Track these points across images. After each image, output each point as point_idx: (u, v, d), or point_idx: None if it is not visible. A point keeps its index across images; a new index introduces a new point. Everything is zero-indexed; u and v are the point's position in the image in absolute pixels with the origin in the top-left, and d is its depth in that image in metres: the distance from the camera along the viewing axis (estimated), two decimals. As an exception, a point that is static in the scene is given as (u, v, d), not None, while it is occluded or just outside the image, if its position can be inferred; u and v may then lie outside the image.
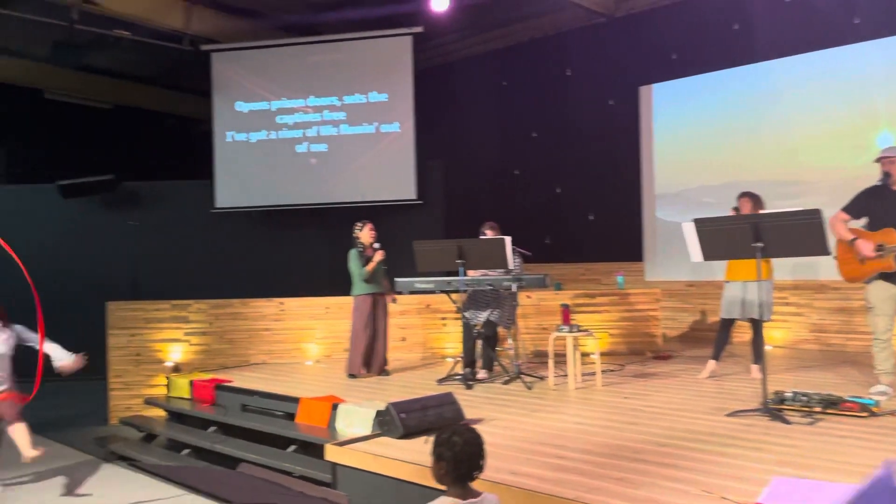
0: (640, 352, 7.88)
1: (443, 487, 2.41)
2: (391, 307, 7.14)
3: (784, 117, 8.51)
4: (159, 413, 7.17)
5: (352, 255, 6.88)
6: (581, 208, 10.54)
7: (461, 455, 2.33)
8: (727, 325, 6.21)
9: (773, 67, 8.59)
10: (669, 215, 9.57)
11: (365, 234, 6.91)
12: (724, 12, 8.96)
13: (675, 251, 9.12)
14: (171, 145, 14.31)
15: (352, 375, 6.82)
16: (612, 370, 6.75)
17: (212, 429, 6.29)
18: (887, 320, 5.05)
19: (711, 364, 6.32)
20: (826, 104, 8.18)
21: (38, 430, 7.24)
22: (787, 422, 4.44)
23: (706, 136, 9.27)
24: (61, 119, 13.39)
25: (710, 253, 4.96)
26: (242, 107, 10.76)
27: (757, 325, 5.89)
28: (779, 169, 8.53)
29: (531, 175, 11.18)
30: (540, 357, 7.32)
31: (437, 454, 2.38)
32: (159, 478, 5.25)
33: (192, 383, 6.90)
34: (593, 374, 6.12)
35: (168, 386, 7.21)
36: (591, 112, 10.36)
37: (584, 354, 6.61)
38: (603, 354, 6.54)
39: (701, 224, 4.90)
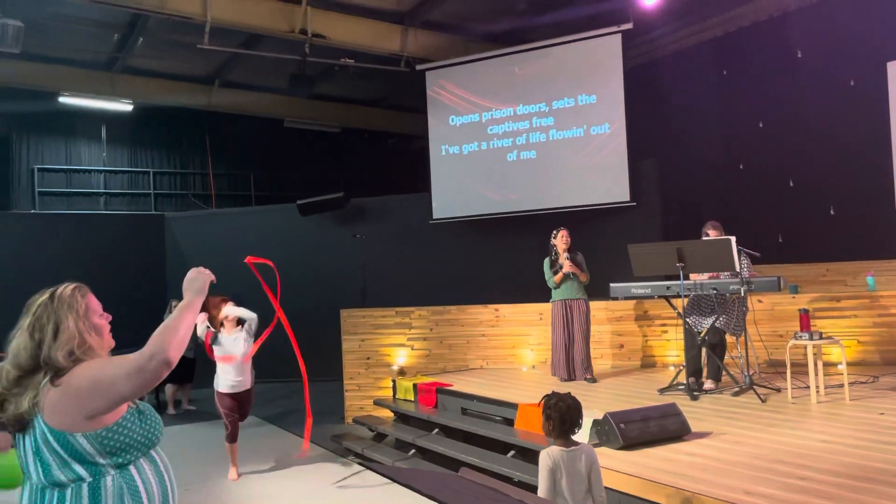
0: (897, 362, 6.91)
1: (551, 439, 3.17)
2: (605, 313, 6.97)
3: None
4: (387, 413, 7.61)
5: (545, 263, 7.02)
6: (819, 202, 9.49)
7: (565, 416, 3.09)
8: None
9: None
10: (931, 205, 8.32)
11: (558, 241, 6.93)
12: None
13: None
14: (392, 162, 15.26)
15: (563, 379, 6.89)
16: (862, 382, 5.98)
17: (435, 430, 6.54)
18: None
19: None
20: None
21: (284, 425, 8.06)
22: None
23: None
24: (298, 144, 14.86)
25: None
26: (455, 120, 11.14)
27: None
28: None
29: (758, 168, 10.30)
30: (775, 367, 6.70)
31: (547, 415, 3.14)
32: (385, 477, 5.55)
33: (415, 386, 7.23)
34: (840, 386, 5.47)
35: (394, 388, 7.63)
36: (828, 95, 9.33)
37: (829, 364, 5.94)
38: (851, 364, 5.85)
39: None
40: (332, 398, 8.99)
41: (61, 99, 12.14)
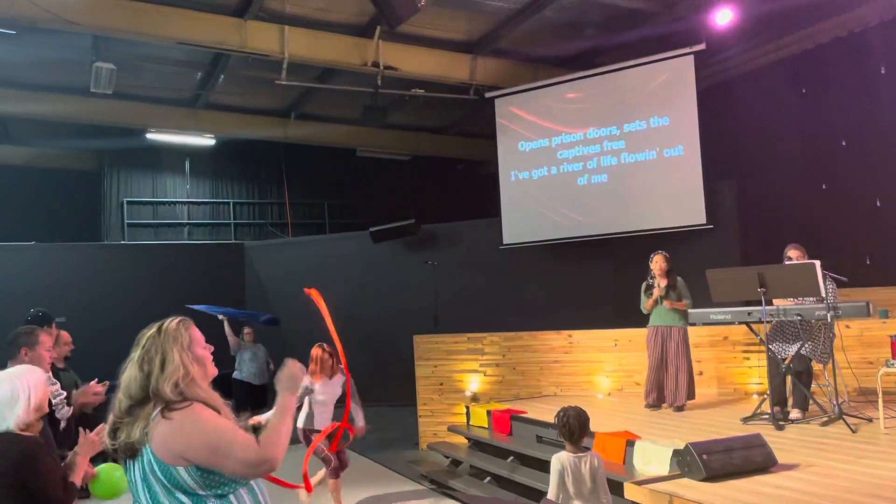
0: None
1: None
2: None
3: None
4: (461, 440, 7.62)
5: (642, 287, 6.92)
6: (909, 222, 9.08)
7: (567, 426, 3.67)
8: None
9: None
10: None
11: (653, 264, 6.83)
12: None
13: None
14: (462, 188, 15.39)
15: (648, 406, 6.81)
16: (963, 413, 5.65)
17: (510, 458, 6.51)
18: None
19: None
20: None
21: (363, 451, 8.16)
22: None
23: None
24: (370, 172, 15.19)
25: None
26: (525, 146, 11.18)
27: None
28: None
29: (843, 188, 9.92)
30: (865, 395, 6.39)
31: (557, 424, 3.73)
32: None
33: (489, 413, 7.22)
34: (938, 417, 5.19)
35: (467, 414, 7.64)
36: (916, 110, 8.96)
37: (925, 394, 5.64)
38: (950, 394, 5.53)
39: None
40: (407, 424, 9.07)
41: (149, 135, 12.79)
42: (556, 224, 10.84)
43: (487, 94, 11.31)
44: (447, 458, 7.40)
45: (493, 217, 11.50)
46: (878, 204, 9.52)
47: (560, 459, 3.65)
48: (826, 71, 10.10)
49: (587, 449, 3.72)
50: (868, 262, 9.24)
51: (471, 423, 7.53)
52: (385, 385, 11.04)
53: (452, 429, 7.77)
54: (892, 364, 5.21)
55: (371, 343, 11.45)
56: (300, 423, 6.01)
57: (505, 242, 11.20)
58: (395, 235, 12.06)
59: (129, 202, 14.02)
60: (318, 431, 5.95)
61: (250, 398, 9.21)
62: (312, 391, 5.85)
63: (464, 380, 8.41)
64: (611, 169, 10.49)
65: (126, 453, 2.05)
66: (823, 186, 10.19)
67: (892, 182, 9.32)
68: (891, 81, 9.28)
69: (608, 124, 10.51)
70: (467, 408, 7.72)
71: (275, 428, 2.08)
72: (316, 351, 5.89)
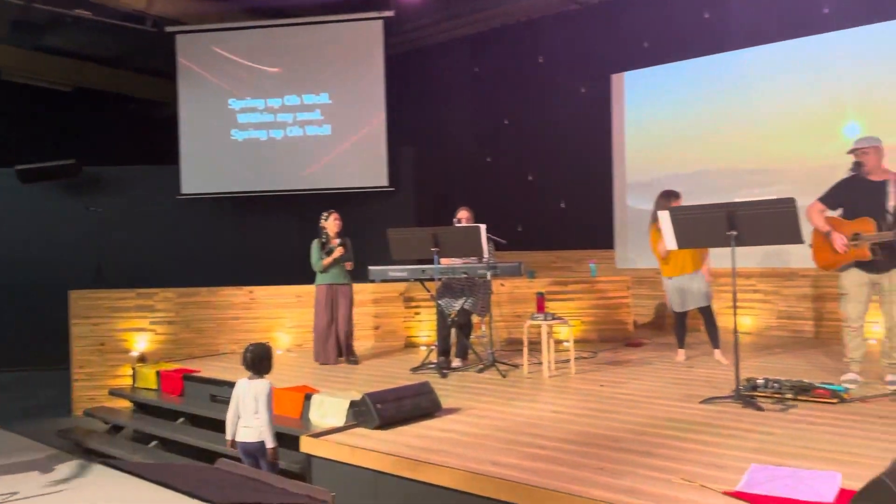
0: (612, 339, 7.92)
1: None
2: (362, 296, 7.07)
3: (754, 106, 8.57)
4: (125, 404, 7.01)
5: (313, 245, 6.90)
6: (553, 196, 10.54)
7: (248, 359, 4.26)
8: (680, 315, 6.40)
9: (743, 56, 8.64)
10: (641, 203, 9.61)
11: (330, 223, 6.87)
12: (695, 1, 9.00)
13: (645, 239, 9.17)
14: (134, 129, 13.92)
15: (322, 363, 6.87)
16: (584, 357, 6.77)
17: (180, 420, 6.17)
18: (860, 307, 5.13)
19: (681, 353, 6.41)
20: (795, 93, 8.26)
21: (0, 421, 7.04)
22: (760, 409, 4.49)
23: (677, 125, 9.32)
24: (20, 101, 12.94)
25: (684, 241, 5.02)
26: (209, 90, 10.51)
27: (705, 311, 6.20)
28: (748, 158, 8.60)
29: (503, 162, 11.15)
30: (514, 345, 7.32)
31: (243, 357, 4.30)
32: (132, 475, 5.11)
33: (158, 374, 6.75)
34: (567, 361, 6.13)
35: (134, 376, 7.06)
36: (564, 100, 10.35)
37: (557, 342, 6.62)
38: (576, 342, 6.56)
39: (676, 213, 4.94)
40: (57, 390, 8.06)
41: None
42: (241, 177, 10.45)
43: (168, 29, 10.36)
44: (107, 423, 6.75)
45: (171, 164, 10.65)
46: (531, 178, 10.88)
47: (238, 383, 4.29)
48: (495, 53, 11.16)
49: (261, 378, 4.26)
50: (520, 229, 10.53)
51: (137, 385, 6.97)
52: (32, 347, 9.67)
53: (115, 392, 7.10)
54: (536, 318, 6.00)
55: (16, 299, 9.93)
56: None
57: (183, 192, 10.48)
58: (50, 176, 10.50)
59: None
60: None
61: None
62: None
63: (130, 339, 7.72)
64: (300, 124, 10.39)
65: None
66: (488, 159, 11.33)
67: (542, 160, 10.70)
68: (546, 71, 10.58)
69: (297, 80, 10.36)
70: (133, 369, 7.12)
71: None
72: None
